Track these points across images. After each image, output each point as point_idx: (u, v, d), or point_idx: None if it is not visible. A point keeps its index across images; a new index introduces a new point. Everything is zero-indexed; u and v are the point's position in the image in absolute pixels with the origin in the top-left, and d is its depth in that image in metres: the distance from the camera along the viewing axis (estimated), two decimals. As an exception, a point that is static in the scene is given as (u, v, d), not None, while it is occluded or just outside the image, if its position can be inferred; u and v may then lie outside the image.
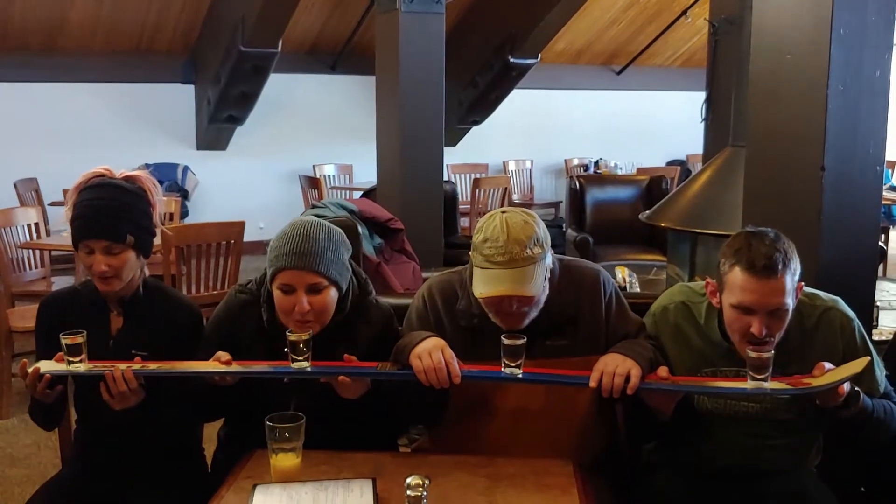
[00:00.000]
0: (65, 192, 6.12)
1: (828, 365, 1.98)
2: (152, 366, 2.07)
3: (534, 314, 2.10)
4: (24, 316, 4.48)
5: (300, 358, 2.02)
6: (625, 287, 4.72)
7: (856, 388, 1.99)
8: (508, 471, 1.99)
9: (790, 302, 2.00)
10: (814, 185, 2.55)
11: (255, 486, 1.85)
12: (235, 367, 2.06)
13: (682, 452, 2.22)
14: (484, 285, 2.04)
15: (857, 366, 1.97)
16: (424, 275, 4.51)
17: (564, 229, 7.30)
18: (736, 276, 1.99)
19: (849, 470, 2.49)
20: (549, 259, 2.10)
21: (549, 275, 2.11)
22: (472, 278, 2.10)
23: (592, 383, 1.98)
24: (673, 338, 2.20)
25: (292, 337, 2.02)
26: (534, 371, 2.03)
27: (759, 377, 1.94)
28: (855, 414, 2.00)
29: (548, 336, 2.15)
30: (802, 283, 2.06)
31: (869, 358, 2.03)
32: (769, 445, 2.17)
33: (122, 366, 2.04)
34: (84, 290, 2.24)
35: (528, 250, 2.01)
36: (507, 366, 1.99)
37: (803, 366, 2.03)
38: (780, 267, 1.96)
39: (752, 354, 1.94)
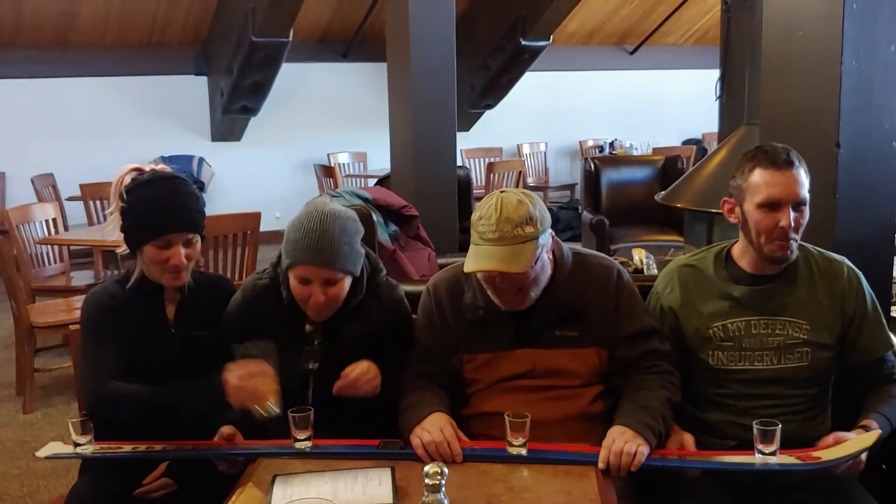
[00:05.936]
0: (82, 186, 6.22)
1: (831, 438, 1.98)
2: (158, 447, 2.08)
3: (534, 294, 2.12)
4: (45, 311, 4.52)
5: (302, 437, 2.02)
6: (642, 269, 4.69)
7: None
8: (526, 456, 1.99)
9: (808, 197, 2.10)
10: (829, 163, 2.53)
11: (274, 477, 1.86)
12: (240, 448, 2.05)
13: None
14: (473, 261, 2.09)
15: (867, 440, 1.94)
16: (440, 260, 4.50)
17: (580, 211, 7.26)
18: (758, 175, 2.10)
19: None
20: (546, 238, 2.12)
21: (549, 255, 2.14)
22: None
23: (601, 464, 1.94)
24: (682, 302, 2.23)
25: (294, 414, 2.01)
26: (539, 448, 1.99)
27: (766, 451, 1.91)
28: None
29: (556, 326, 2.17)
30: None
31: (879, 432, 1.99)
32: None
33: (127, 447, 2.08)
34: (129, 286, 2.22)
35: (519, 229, 2.04)
36: (511, 445, 1.98)
37: (805, 299, 2.14)
38: (796, 161, 2.09)
39: (760, 427, 1.91)
